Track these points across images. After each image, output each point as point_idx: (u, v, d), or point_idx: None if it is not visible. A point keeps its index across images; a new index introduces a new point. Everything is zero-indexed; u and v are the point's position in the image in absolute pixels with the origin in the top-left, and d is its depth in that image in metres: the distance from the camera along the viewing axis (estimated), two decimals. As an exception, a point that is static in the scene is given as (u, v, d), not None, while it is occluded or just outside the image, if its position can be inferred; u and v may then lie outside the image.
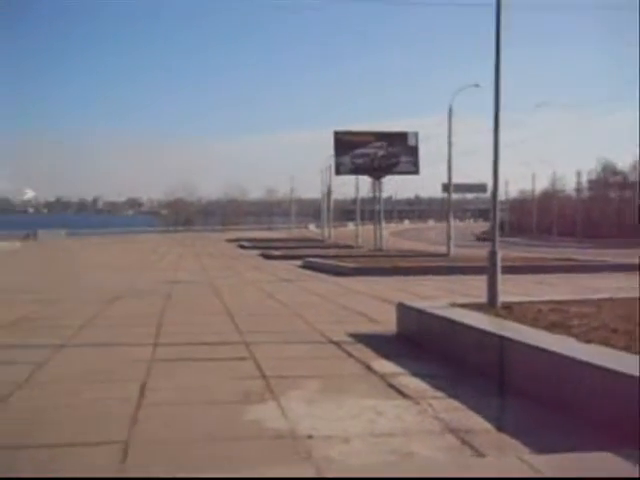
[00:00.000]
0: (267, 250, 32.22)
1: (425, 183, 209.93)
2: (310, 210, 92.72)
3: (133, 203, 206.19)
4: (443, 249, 29.63)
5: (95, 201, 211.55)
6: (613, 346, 5.54)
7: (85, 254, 33.20)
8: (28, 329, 9.31)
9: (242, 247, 39.80)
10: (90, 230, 64.79)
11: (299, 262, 24.37)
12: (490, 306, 8.41)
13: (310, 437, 4.43)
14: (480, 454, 4.18)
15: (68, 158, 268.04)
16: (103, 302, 12.26)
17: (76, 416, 4.98)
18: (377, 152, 34.88)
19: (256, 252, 32.83)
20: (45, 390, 5.78)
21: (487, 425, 4.72)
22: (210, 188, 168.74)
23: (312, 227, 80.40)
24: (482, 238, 55.09)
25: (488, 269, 9.15)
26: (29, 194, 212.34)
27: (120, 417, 4.89)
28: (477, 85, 28.45)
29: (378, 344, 7.83)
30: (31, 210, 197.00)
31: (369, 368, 6.58)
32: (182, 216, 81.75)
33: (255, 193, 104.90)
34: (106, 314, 10.86)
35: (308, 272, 21.03)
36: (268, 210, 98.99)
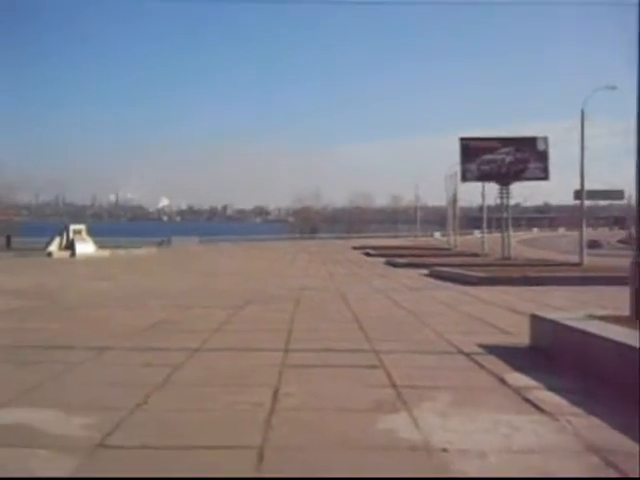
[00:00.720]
0: (392, 258, 32.12)
1: (555, 190, 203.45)
2: (436, 217, 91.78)
3: (261, 211, 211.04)
4: (575, 258, 28.54)
5: (225, 209, 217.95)
6: None
7: (216, 260, 34.27)
8: (165, 333, 9.67)
9: (368, 254, 39.90)
10: (220, 237, 66.87)
11: (425, 270, 24.12)
12: (633, 319, 7.98)
13: (445, 450, 4.33)
14: (627, 477, 3.95)
15: (200, 168, 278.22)
16: (234, 307, 12.59)
17: (212, 419, 5.10)
18: (505, 158, 34.13)
19: (382, 260, 32.83)
20: (182, 393, 5.97)
21: (633, 446, 4.45)
22: (336, 195, 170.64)
23: (437, 235, 79.58)
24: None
25: (630, 280, 8.69)
26: (164, 202, 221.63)
27: (254, 422, 4.96)
28: (614, 87, 27.27)
29: (510, 356, 7.60)
30: (165, 218, 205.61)
31: (502, 381, 6.39)
32: (308, 224, 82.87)
33: (380, 200, 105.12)
34: (238, 319, 11.14)
35: (434, 280, 20.79)
36: (393, 217, 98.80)
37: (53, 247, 35.41)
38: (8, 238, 44.91)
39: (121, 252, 38.23)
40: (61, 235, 36.11)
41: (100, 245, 38.28)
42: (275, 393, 5.84)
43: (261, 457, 4.22)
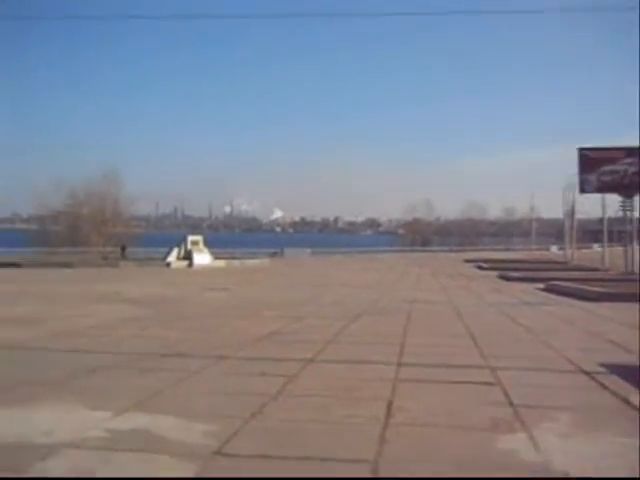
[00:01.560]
0: (506, 271, 31.35)
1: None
2: (551, 230, 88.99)
3: (372, 223, 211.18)
4: None
5: (336, 221, 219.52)
6: None
7: (328, 272, 34.54)
8: (278, 343, 9.80)
9: (480, 268, 39.14)
10: (332, 249, 67.34)
11: (541, 285, 23.38)
12: None
13: (566, 476, 4.16)
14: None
15: (312, 181, 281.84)
16: (347, 319, 12.61)
17: (327, 431, 5.11)
18: (628, 169, 32.72)
19: (495, 273, 32.10)
20: (297, 403, 6.02)
21: None
22: (448, 207, 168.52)
23: (554, 249, 77.06)
24: None
25: None
26: (277, 214, 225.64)
27: (369, 435, 4.94)
28: None
29: (634, 376, 7.23)
30: (278, 229, 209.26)
31: (627, 402, 6.08)
32: (419, 236, 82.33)
33: (493, 212, 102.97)
34: (350, 331, 11.15)
35: (550, 295, 20.11)
36: (506, 230, 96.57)
37: (172, 257, 36.73)
38: (123, 248, 47.02)
39: (236, 263, 39.14)
40: (179, 246, 37.43)
41: (216, 256, 39.37)
42: (389, 407, 5.79)
43: (376, 471, 4.20)
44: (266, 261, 43.30)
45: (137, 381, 6.94)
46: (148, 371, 7.45)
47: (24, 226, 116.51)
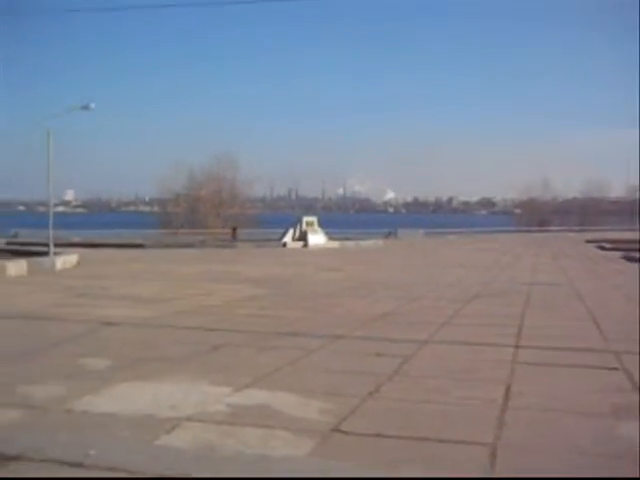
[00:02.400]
0: (630, 252, 29.97)
1: None
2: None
3: (486, 203, 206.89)
4: None
5: (450, 201, 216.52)
6: None
7: (442, 252, 34.18)
8: (394, 323, 9.81)
9: (602, 248, 37.60)
10: (446, 229, 66.47)
11: (669, 266, 22.25)
12: None
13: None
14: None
15: (425, 161, 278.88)
16: (462, 300, 12.46)
17: (443, 412, 5.09)
18: None
19: (618, 254, 30.78)
20: (413, 384, 6.01)
21: None
22: (566, 186, 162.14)
23: (682, 228, 72.89)
24: None
25: None
26: (389, 194, 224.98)
27: (486, 418, 4.88)
28: None
29: None
30: (391, 210, 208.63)
31: None
32: (536, 216, 79.88)
33: (616, 191, 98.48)
34: (466, 312, 11.02)
35: (680, 278, 19.11)
36: (630, 209, 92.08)
37: (287, 238, 37.33)
38: (234, 229, 48.14)
39: (350, 243, 39.33)
40: (294, 227, 37.98)
41: (330, 236, 39.72)
42: (507, 390, 5.69)
43: (494, 455, 4.15)
44: (380, 242, 43.23)
45: (257, 358, 7.13)
46: (267, 349, 7.64)
47: (147, 208, 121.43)
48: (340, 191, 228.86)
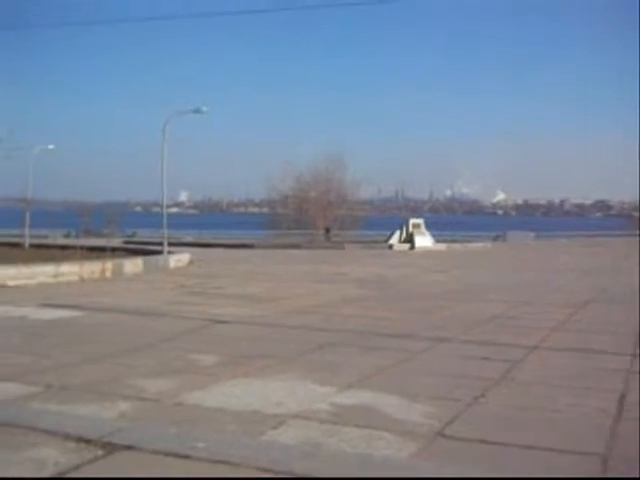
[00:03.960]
0: None
1: None
2: None
3: (602, 205, 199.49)
4: None
5: (562, 203, 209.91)
6: None
7: (553, 256, 33.13)
8: (501, 327, 9.59)
9: None
10: (558, 233, 64.40)
11: None
12: None
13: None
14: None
15: (537, 161, 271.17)
16: (574, 306, 12.03)
17: (552, 420, 4.92)
18: None
19: None
20: (520, 390, 5.86)
21: None
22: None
23: None
24: None
25: None
26: (500, 196, 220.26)
27: (597, 428, 4.69)
28: None
29: None
30: (500, 212, 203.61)
31: None
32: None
33: None
34: (578, 318, 10.62)
35: None
36: None
37: (394, 240, 37.11)
38: (327, 230, 48.19)
39: (457, 246, 38.74)
40: (401, 229, 37.70)
41: (437, 238, 39.26)
42: (621, 400, 5.45)
43: (605, 465, 3.98)
44: (488, 245, 42.37)
45: (361, 359, 7.13)
46: (371, 349, 7.63)
47: (256, 210, 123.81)
48: (448, 192, 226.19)
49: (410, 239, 36.89)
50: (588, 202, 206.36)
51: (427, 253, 33.93)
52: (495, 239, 52.53)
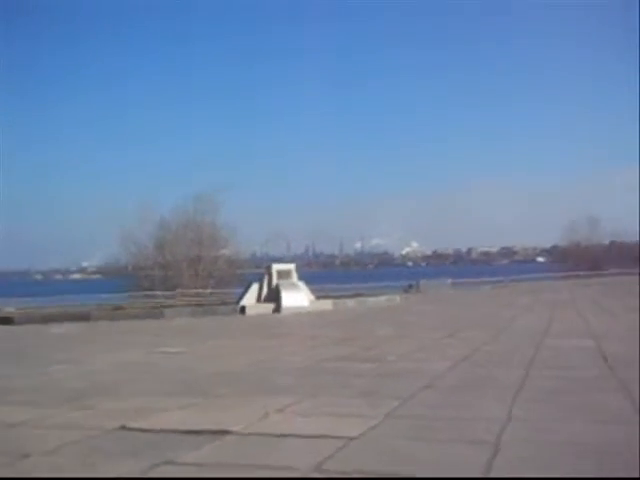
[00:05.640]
0: None
1: None
2: None
3: (507, 252, 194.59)
4: None
5: (469, 252, 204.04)
6: None
7: (495, 312, 19.84)
8: None
9: None
10: (475, 279, 52.02)
11: None
12: None
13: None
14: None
15: (444, 212, 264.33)
16: None
17: None
18: None
19: None
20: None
21: None
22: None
23: None
24: None
25: None
26: (408, 248, 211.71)
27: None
28: None
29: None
30: (410, 263, 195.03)
31: None
32: (582, 260, 64.67)
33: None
34: None
35: None
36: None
37: (249, 298, 22.93)
38: None
39: (349, 303, 24.91)
40: (261, 281, 23.63)
41: (320, 295, 25.40)
42: None
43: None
44: (396, 298, 28.66)
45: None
46: None
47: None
48: (358, 245, 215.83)
49: (275, 296, 22.79)
50: (494, 249, 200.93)
51: (296, 318, 20.02)
52: (406, 290, 39.23)
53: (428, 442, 4.61)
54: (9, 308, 40.14)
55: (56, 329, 18.58)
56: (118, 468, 4.09)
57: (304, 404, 6.12)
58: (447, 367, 8.26)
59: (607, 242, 68.35)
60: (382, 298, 27.18)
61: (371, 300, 26.21)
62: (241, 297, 23.63)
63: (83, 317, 22.20)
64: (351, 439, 4.65)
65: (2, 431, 5.31)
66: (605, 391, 6.40)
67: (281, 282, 23.14)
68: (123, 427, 5.24)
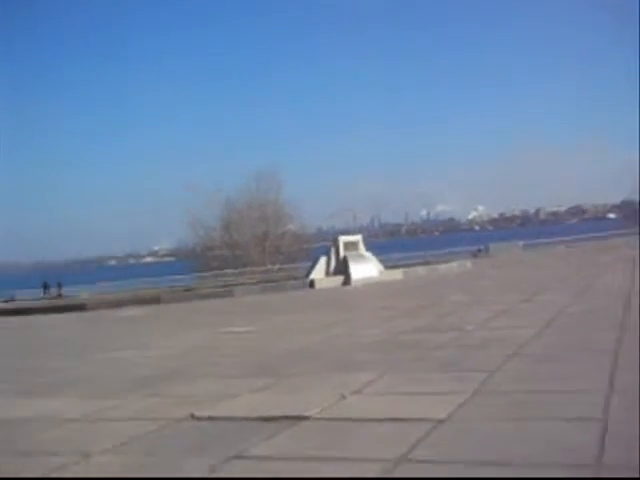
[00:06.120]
0: None
1: None
2: None
3: (576, 211, 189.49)
4: None
5: (537, 213, 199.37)
6: None
7: (572, 273, 18.94)
8: None
9: None
10: (546, 240, 50.37)
11: None
12: None
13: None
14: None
15: (509, 174, 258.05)
16: None
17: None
18: None
19: None
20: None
21: None
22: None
23: None
24: None
25: None
26: (476, 212, 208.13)
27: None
28: None
29: None
30: (477, 227, 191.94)
31: None
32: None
33: None
34: None
35: None
36: None
37: (317, 272, 22.57)
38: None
39: (420, 270, 24.33)
40: (328, 254, 23.22)
41: (389, 265, 24.84)
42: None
43: None
44: (467, 263, 27.84)
45: None
46: None
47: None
48: (424, 213, 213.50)
49: (343, 268, 22.36)
50: (562, 208, 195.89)
51: (366, 290, 19.58)
52: (476, 255, 38.29)
53: (524, 422, 4.08)
54: (83, 294, 41.22)
55: (126, 312, 18.67)
56: (183, 466, 3.72)
57: (383, 382, 5.66)
58: (532, 334, 7.65)
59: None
60: (453, 264, 26.44)
61: (442, 267, 25.52)
62: (310, 271, 23.31)
63: (154, 300, 22.33)
64: (439, 422, 4.16)
65: (60, 427, 5.02)
66: None
67: (349, 254, 22.70)
68: (192, 416, 4.89)
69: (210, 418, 4.81)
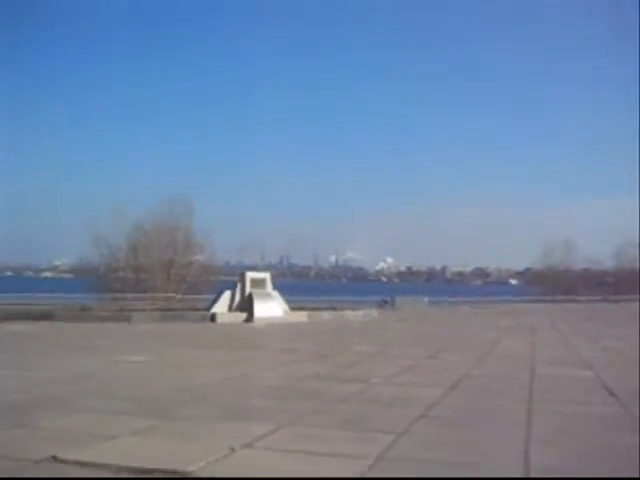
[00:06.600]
0: None
1: None
2: None
3: (480, 273, 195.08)
4: None
5: (443, 270, 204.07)
6: None
7: (479, 334, 18.91)
8: None
9: None
10: (451, 299, 51.23)
11: None
12: None
13: None
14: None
15: (421, 228, 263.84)
16: None
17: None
18: None
19: None
20: None
21: None
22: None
23: None
24: None
25: None
26: (384, 263, 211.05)
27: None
28: None
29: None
30: (384, 279, 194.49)
31: None
32: (554, 284, 64.17)
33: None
34: None
35: None
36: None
37: (220, 306, 21.76)
38: None
39: (325, 315, 23.92)
40: (234, 289, 22.39)
41: (294, 306, 24.29)
42: None
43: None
44: (373, 313, 27.73)
45: None
46: None
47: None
48: (332, 259, 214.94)
49: (247, 305, 21.69)
50: (468, 269, 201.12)
51: (267, 329, 18.99)
52: (381, 305, 38.31)
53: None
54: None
55: (12, 327, 17.39)
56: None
57: (278, 436, 5.11)
58: (439, 394, 7.29)
59: (581, 267, 67.89)
60: (359, 312, 26.22)
61: (348, 314, 25.25)
62: (212, 304, 22.48)
63: (46, 316, 20.99)
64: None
65: None
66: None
67: (255, 291, 22.06)
68: (55, 458, 4.20)
69: (77, 462, 4.14)
